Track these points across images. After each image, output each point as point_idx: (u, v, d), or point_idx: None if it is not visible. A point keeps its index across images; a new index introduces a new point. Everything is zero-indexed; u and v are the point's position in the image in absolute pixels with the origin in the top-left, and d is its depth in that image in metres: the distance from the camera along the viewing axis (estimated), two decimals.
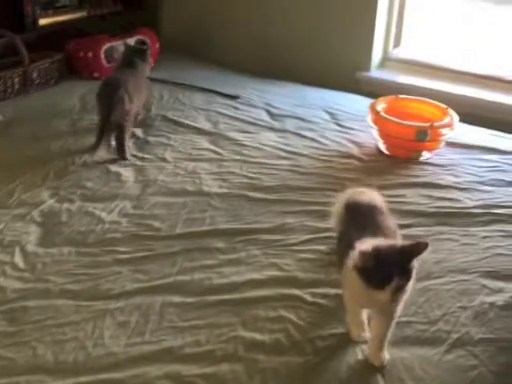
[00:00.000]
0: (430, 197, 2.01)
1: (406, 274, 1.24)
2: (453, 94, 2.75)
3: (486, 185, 2.11)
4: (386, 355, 1.32)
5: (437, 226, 1.84)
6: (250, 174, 2.11)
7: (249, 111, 2.65)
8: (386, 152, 2.30)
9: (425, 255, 1.60)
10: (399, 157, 2.27)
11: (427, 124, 2.22)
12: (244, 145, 2.33)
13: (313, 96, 2.83)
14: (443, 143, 2.29)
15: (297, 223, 1.83)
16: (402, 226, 1.79)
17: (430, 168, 2.21)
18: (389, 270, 1.22)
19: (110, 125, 2.15)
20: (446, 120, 2.27)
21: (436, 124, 2.23)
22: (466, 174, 2.18)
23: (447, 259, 1.68)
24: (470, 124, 2.58)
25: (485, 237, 1.79)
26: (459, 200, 1.99)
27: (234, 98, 2.79)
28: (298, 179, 2.10)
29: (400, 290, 1.23)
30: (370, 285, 1.23)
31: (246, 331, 1.40)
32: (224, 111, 2.64)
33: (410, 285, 1.27)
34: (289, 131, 2.47)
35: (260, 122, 2.54)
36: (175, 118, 2.55)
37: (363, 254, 1.23)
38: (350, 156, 2.28)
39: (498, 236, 1.80)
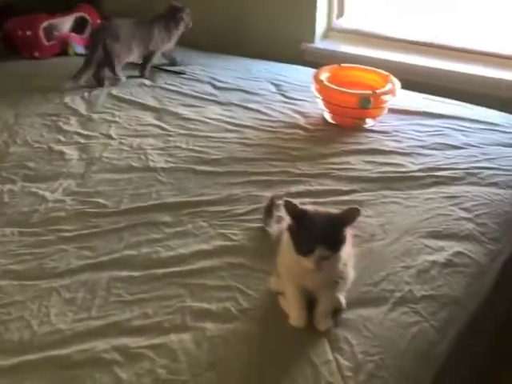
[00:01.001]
0: (373, 163, 2.04)
1: (334, 244, 1.24)
2: (395, 62, 2.80)
3: (428, 149, 2.15)
4: (330, 321, 1.34)
5: (381, 190, 1.87)
6: (197, 148, 2.10)
7: (194, 86, 2.64)
8: (331, 121, 2.33)
9: (369, 219, 1.71)
10: (344, 125, 2.30)
11: (370, 91, 2.24)
12: (189, 119, 2.32)
13: (258, 68, 2.83)
14: (386, 110, 2.33)
15: (243, 194, 1.83)
16: (347, 192, 1.85)
17: (374, 135, 2.24)
18: (313, 238, 1.22)
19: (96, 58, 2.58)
20: (388, 87, 2.30)
21: (378, 91, 2.25)
22: (408, 139, 2.21)
23: (391, 221, 1.72)
24: (412, 90, 2.63)
25: (427, 199, 1.83)
26: (402, 165, 2.03)
27: (179, 73, 2.77)
28: (244, 151, 2.10)
29: (325, 259, 1.23)
30: (297, 249, 1.24)
31: (193, 301, 1.41)
32: (169, 87, 2.62)
33: (345, 254, 1.29)
34: (234, 104, 2.46)
35: (205, 96, 2.53)
36: (120, 94, 2.52)
37: (290, 204, 1.24)
38: (296, 126, 2.30)
39: (440, 197, 1.84)
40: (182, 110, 2.39)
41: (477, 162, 2.06)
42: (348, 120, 2.29)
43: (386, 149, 2.14)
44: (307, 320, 1.34)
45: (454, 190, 1.89)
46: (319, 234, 1.23)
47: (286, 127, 2.29)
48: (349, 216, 1.27)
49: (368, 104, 2.22)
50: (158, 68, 2.81)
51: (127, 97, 2.50)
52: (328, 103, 2.29)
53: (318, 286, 1.32)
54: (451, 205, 1.81)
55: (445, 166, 2.02)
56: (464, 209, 1.80)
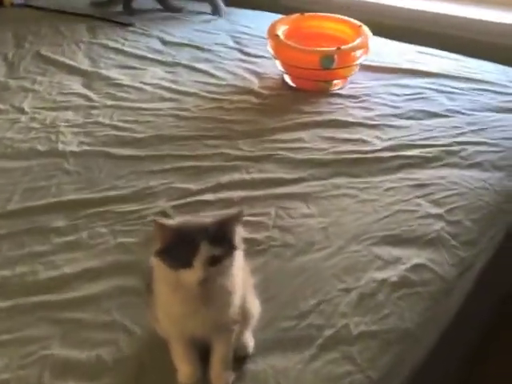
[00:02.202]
0: (331, 139, 1.67)
1: (222, 240, 0.93)
2: (383, 5, 2.39)
3: (403, 118, 1.77)
4: (231, 375, 1.02)
5: (333, 177, 1.52)
6: (121, 124, 1.75)
7: (139, 41, 2.27)
8: (292, 84, 1.95)
9: (310, 220, 1.37)
10: (307, 89, 1.92)
11: (332, 48, 1.85)
12: (122, 85, 1.96)
13: (221, 19, 2.44)
14: (357, 68, 1.94)
15: (162, 186, 1.49)
16: (289, 182, 1.50)
17: (340, 101, 1.87)
18: (194, 238, 0.91)
19: None
20: (357, 41, 1.90)
21: (344, 47, 1.86)
22: (380, 106, 1.84)
23: (337, 223, 1.37)
24: (397, 39, 2.24)
25: (388, 189, 1.47)
26: (366, 141, 1.66)
27: (126, 25, 2.40)
28: (177, 126, 1.74)
29: (214, 262, 0.92)
30: (174, 262, 0.92)
31: (61, 347, 1.09)
32: (110, 43, 2.25)
33: (239, 278, 0.97)
34: (180, 64, 2.10)
35: (149, 55, 2.16)
36: (49, 54, 2.17)
37: (162, 226, 0.93)
38: (248, 92, 1.93)
39: (406, 186, 1.48)
40: (116, 74, 2.03)
41: (460, 136, 1.68)
42: (310, 83, 1.91)
43: (351, 119, 1.76)
44: (201, 375, 1.02)
45: (425, 176, 1.52)
46: (202, 231, 0.92)
47: (235, 93, 1.92)
48: (229, 220, 0.95)
49: (331, 64, 1.83)
50: (103, 19, 2.43)
51: (56, 57, 2.14)
52: (285, 64, 1.91)
53: (207, 328, 0.98)
54: (419, 196, 1.45)
55: (419, 142, 1.65)
56: (434, 202, 1.44)
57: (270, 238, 1.33)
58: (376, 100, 1.86)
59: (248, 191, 1.47)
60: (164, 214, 1.34)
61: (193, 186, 1.48)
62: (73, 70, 2.05)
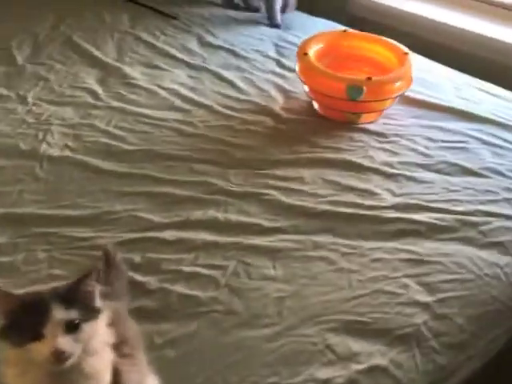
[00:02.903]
0: (335, 185, 1.45)
1: (77, 307, 0.78)
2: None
3: (429, 170, 1.52)
4: None
5: (317, 234, 1.30)
6: (115, 131, 1.61)
7: (176, 38, 2.11)
8: (318, 111, 1.73)
9: (271, 284, 1.17)
10: (332, 119, 1.70)
11: (361, 78, 1.61)
12: (137, 86, 1.81)
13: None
14: (394, 101, 1.69)
15: (125, 213, 1.34)
16: (265, 231, 1.31)
17: (364, 138, 1.63)
18: (42, 303, 0.77)
19: None
20: (396, 72, 1.65)
21: (375, 79, 1.61)
22: (408, 151, 1.59)
23: (299, 294, 1.16)
24: (459, 68, 1.96)
25: (376, 260, 1.25)
26: (374, 194, 1.43)
27: (170, 17, 2.25)
28: (172, 143, 1.58)
29: (72, 329, 0.77)
30: (21, 338, 0.76)
31: None
32: (145, 36, 2.10)
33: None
34: (208, 69, 1.92)
35: (179, 55, 1.99)
36: (80, 41, 2.05)
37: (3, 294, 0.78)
38: (267, 112, 1.72)
39: (397, 260, 1.25)
40: (136, 72, 1.88)
41: (489, 204, 1.42)
42: (337, 113, 1.69)
43: (367, 163, 1.53)
44: None
45: (426, 250, 1.28)
46: (52, 294, 0.79)
47: (252, 112, 1.73)
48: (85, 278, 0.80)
49: (358, 95, 1.60)
50: (146, 7, 2.29)
51: (85, 45, 2.01)
52: (311, 88, 1.69)
53: None
54: (409, 276, 1.22)
55: (434, 205, 1.40)
56: (426, 285, 1.20)
57: (214, 299, 1.14)
58: (406, 143, 1.61)
59: (214, 235, 1.28)
60: (105, 252, 1.19)
61: (157, 218, 1.32)
62: (95, 62, 1.93)
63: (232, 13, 2.30)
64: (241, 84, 1.85)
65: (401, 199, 1.41)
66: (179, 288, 1.16)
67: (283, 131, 1.65)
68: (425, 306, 1.15)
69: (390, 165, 1.53)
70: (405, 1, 2.33)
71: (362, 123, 1.68)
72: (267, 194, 1.41)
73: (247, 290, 1.16)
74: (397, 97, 1.67)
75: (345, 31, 1.80)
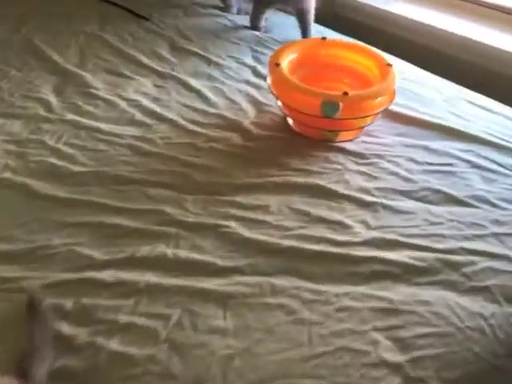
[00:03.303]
0: (303, 215, 1.29)
1: None
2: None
3: (410, 198, 1.36)
4: None
5: (278, 275, 1.15)
6: (65, 149, 1.45)
7: (146, 41, 1.95)
8: (292, 126, 1.57)
9: (216, 341, 1.02)
10: (307, 136, 1.54)
11: (337, 93, 1.45)
12: (96, 96, 1.66)
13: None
14: (376, 117, 1.53)
15: (63, 248, 1.18)
16: (219, 272, 1.16)
17: (341, 159, 1.47)
18: None
19: None
20: (378, 87, 1.49)
21: (352, 94, 1.45)
22: (388, 175, 1.43)
23: (250, 352, 1.00)
24: (451, 77, 1.81)
25: (342, 308, 1.09)
26: (347, 227, 1.27)
27: (142, 18, 2.09)
28: (126, 163, 1.42)
29: None
30: None
31: None
32: (113, 39, 1.95)
33: None
34: (176, 78, 1.76)
35: (146, 61, 1.84)
36: (41, 43, 1.90)
37: None
38: (236, 127, 1.57)
39: (366, 309, 1.09)
40: (98, 80, 1.72)
41: (475, 240, 1.26)
42: (312, 130, 1.53)
43: (341, 189, 1.37)
44: None
45: (400, 296, 1.12)
46: None
47: (219, 127, 1.57)
48: None
49: (334, 112, 1.44)
50: (119, 6, 2.14)
51: (46, 48, 1.85)
52: (284, 104, 1.53)
53: None
54: (379, 329, 1.06)
55: (413, 241, 1.24)
56: (399, 341, 1.04)
57: (151, 358, 0.99)
58: (386, 165, 1.45)
59: (160, 276, 1.13)
60: (29, 298, 1.03)
61: (97, 255, 1.17)
62: (54, 68, 1.77)
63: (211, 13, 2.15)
64: (210, 95, 1.69)
65: (376, 233, 1.25)
66: (112, 344, 1.00)
67: (251, 150, 1.50)
68: (396, 367, 1.00)
69: (367, 191, 1.37)
70: (395, 2, 2.17)
71: (339, 141, 1.53)
72: (226, 226, 1.25)
73: (190, 346, 1.01)
74: (378, 113, 1.51)
75: (324, 39, 1.63)
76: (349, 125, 1.50)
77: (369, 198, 1.35)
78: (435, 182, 1.41)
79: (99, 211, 1.27)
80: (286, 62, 1.54)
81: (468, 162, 1.48)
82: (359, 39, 1.82)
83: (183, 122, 1.57)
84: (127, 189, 1.34)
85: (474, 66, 1.93)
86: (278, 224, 1.27)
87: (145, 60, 1.84)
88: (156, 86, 1.73)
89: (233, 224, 1.26)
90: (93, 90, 1.68)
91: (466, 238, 1.25)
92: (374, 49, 1.63)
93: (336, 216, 1.30)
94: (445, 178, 1.42)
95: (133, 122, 1.57)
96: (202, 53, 1.89)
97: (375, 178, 1.42)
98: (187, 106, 1.64)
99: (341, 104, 1.42)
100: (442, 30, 1.99)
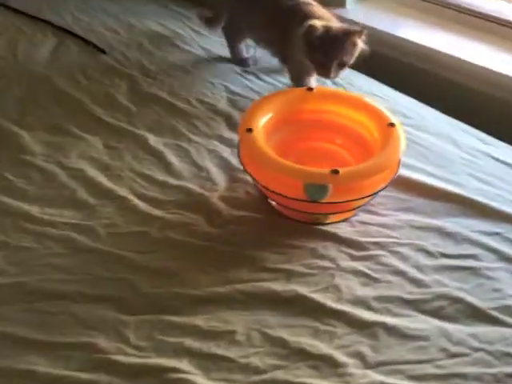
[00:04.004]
0: (281, 346, 0.97)
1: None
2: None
3: (421, 312, 1.04)
4: None
5: None
6: None
7: (101, 83, 1.62)
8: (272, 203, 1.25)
9: None
10: (290, 217, 1.22)
11: (325, 171, 1.12)
12: (32, 165, 1.34)
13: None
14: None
15: None
16: None
17: (332, 251, 1.15)
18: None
19: None
20: (377, 159, 1.16)
21: (345, 171, 1.12)
22: (391, 275, 1.10)
23: None
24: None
25: None
26: (336, 364, 0.95)
27: (99, 50, 1.77)
28: (55, 267, 1.10)
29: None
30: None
31: None
32: (61, 82, 1.62)
33: None
34: (133, 134, 1.44)
35: (100, 111, 1.51)
36: None
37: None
38: (201, 206, 1.25)
39: None
40: (36, 141, 1.40)
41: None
42: (296, 212, 1.21)
43: (330, 302, 1.04)
44: None
45: None
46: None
47: (182, 206, 1.25)
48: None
49: (321, 195, 1.12)
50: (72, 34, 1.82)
51: None
52: (259, 183, 1.21)
53: None
54: None
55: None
56: None
57: None
58: (390, 260, 1.13)
59: None
60: None
61: None
62: None
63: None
64: (172, 159, 1.37)
65: (376, 375, 0.94)
66: None
67: (218, 240, 1.18)
68: None
69: (365, 303, 1.05)
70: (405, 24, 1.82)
71: (330, 223, 1.21)
72: (176, 370, 0.94)
73: None
74: (377, 192, 1.18)
75: (310, 89, 1.30)
76: (341, 208, 1.17)
77: (366, 315, 1.03)
78: (453, 286, 1.09)
79: (6, 348, 0.97)
80: (262, 123, 1.22)
81: (495, 251, 1.15)
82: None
83: (135, 201, 1.26)
84: (51, 309, 1.04)
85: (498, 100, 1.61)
86: (246, 363, 0.96)
87: (97, 110, 1.52)
88: (107, 147, 1.41)
89: (185, 366, 0.95)
90: (28, 157, 1.36)
91: (498, 381, 0.94)
92: (373, 103, 1.29)
93: (322, 347, 0.98)
94: (465, 279, 1.10)
95: (72, 203, 1.26)
96: (166, 97, 1.57)
97: (375, 280, 1.10)
98: (143, 176, 1.32)
99: (330, 186, 1.10)
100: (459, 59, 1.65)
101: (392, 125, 1.21)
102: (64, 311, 1.03)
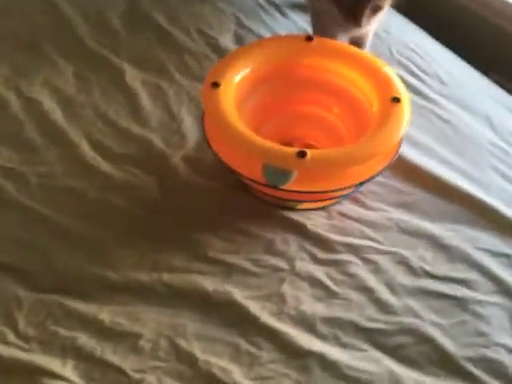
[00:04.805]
0: (190, 366, 0.80)
1: None
2: None
3: (380, 349, 0.83)
4: None
5: None
6: None
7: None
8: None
9: None
10: (256, 195, 1.01)
11: (291, 150, 0.88)
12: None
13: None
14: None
15: None
16: None
17: (292, 246, 0.94)
18: None
19: None
20: (364, 144, 0.91)
21: (316, 153, 0.88)
22: (354, 292, 0.89)
23: None
24: None
25: None
26: None
27: None
28: None
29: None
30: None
31: None
32: None
33: None
34: (112, 66, 1.24)
35: (82, 31, 1.31)
36: None
37: None
38: (157, 165, 1.06)
39: None
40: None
41: None
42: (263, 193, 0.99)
43: (267, 318, 0.85)
44: None
45: None
46: None
47: (135, 163, 1.06)
48: None
49: (282, 180, 0.89)
50: None
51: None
52: (216, 150, 0.99)
53: None
54: None
55: None
56: None
57: None
58: (359, 271, 0.91)
59: None
60: None
61: None
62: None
63: None
64: (145, 101, 1.17)
65: None
66: None
67: (164, 212, 0.99)
68: None
69: (309, 323, 0.85)
70: None
71: (304, 209, 0.99)
72: (56, 376, 0.78)
73: None
74: (361, 185, 0.94)
75: (309, 39, 1.04)
76: (311, 197, 0.95)
77: (305, 340, 0.83)
78: (427, 319, 0.86)
79: None
80: (238, 76, 0.99)
81: (495, 280, 0.91)
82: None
83: (85, 149, 1.07)
84: None
85: None
86: (139, 379, 0.79)
87: (83, 29, 1.32)
88: (78, 77, 1.21)
89: (67, 372, 0.79)
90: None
91: None
92: (383, 66, 1.02)
93: (236, 375, 0.79)
94: (446, 312, 0.87)
95: (15, 141, 1.09)
96: (164, 23, 1.34)
97: (332, 295, 0.89)
98: (104, 120, 1.13)
99: (295, 172, 0.88)
100: None
101: (396, 100, 0.95)
102: None
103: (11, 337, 0.83)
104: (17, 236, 0.95)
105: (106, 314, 0.85)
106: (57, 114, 1.13)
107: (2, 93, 1.17)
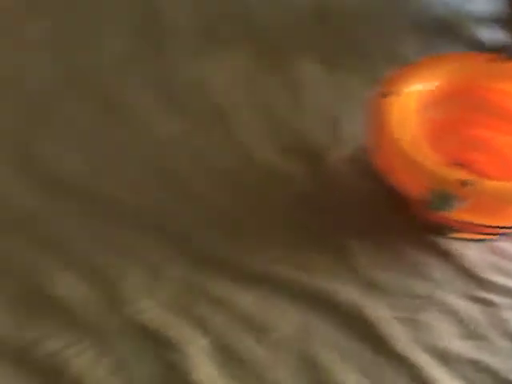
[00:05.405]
0: None
1: None
2: None
3: None
4: None
5: None
6: None
7: None
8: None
9: None
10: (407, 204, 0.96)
11: (455, 176, 0.82)
12: None
13: None
14: None
15: None
16: None
17: (437, 271, 0.89)
18: None
19: None
20: None
21: (484, 184, 0.82)
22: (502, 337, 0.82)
23: None
24: None
25: None
26: None
27: None
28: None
29: None
30: None
31: None
32: None
33: None
34: None
35: None
36: None
37: None
38: (313, 158, 1.03)
39: None
40: None
41: None
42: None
43: (409, 351, 0.80)
44: None
45: None
46: None
47: (294, 150, 1.05)
48: None
49: (447, 206, 0.83)
50: None
51: None
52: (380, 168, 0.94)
53: None
54: None
55: None
56: None
57: None
58: None
59: None
60: None
61: None
62: None
63: None
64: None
65: None
66: None
67: (315, 210, 0.96)
68: None
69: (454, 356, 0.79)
70: None
71: (455, 238, 0.93)
72: None
73: None
74: None
75: (493, 59, 0.96)
76: (472, 228, 0.88)
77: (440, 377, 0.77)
78: None
79: None
80: (415, 90, 0.93)
81: None
82: None
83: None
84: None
85: None
86: None
87: None
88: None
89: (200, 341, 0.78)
90: None
91: None
92: None
93: None
94: None
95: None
96: None
97: (476, 334, 0.82)
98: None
99: (459, 198, 0.82)
100: None
101: None
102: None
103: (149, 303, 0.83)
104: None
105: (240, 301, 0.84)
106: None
107: None
